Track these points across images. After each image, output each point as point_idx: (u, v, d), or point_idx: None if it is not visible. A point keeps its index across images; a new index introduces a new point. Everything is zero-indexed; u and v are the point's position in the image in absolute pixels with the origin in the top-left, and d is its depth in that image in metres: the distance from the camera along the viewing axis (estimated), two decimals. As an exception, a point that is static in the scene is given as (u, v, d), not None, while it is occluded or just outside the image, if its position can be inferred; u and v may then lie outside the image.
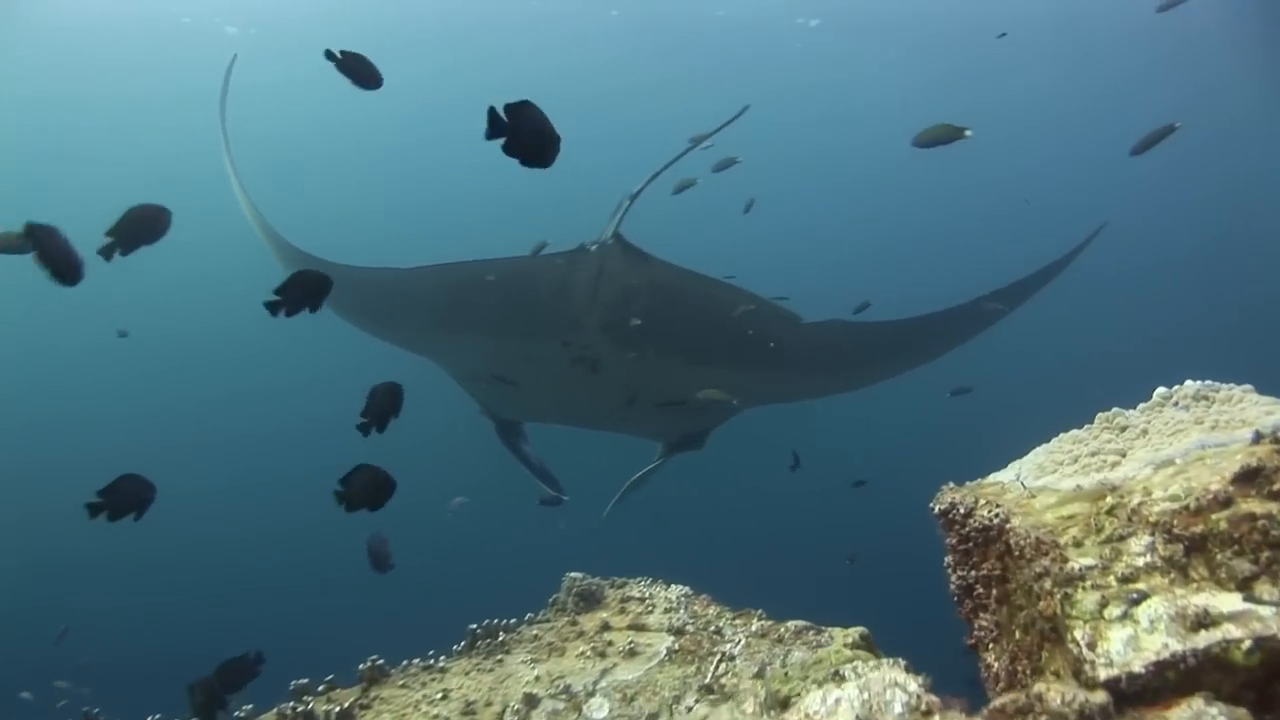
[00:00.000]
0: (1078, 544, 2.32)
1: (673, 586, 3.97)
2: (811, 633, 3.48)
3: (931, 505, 2.99)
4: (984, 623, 2.71)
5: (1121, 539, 2.27)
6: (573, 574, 4.14)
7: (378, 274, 6.94)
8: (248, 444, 26.13)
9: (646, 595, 3.91)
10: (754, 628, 3.57)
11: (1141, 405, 2.85)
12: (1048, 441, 3.02)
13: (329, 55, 3.70)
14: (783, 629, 3.53)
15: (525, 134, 2.95)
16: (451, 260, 6.39)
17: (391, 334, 8.00)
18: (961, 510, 2.80)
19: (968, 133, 5.20)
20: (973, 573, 2.75)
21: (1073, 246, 8.36)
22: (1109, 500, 2.39)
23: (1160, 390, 2.85)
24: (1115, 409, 2.86)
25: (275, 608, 18.16)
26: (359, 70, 3.80)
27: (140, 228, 3.59)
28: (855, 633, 3.43)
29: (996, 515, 2.63)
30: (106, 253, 3.57)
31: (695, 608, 3.78)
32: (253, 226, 8.00)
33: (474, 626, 4.06)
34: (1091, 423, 2.91)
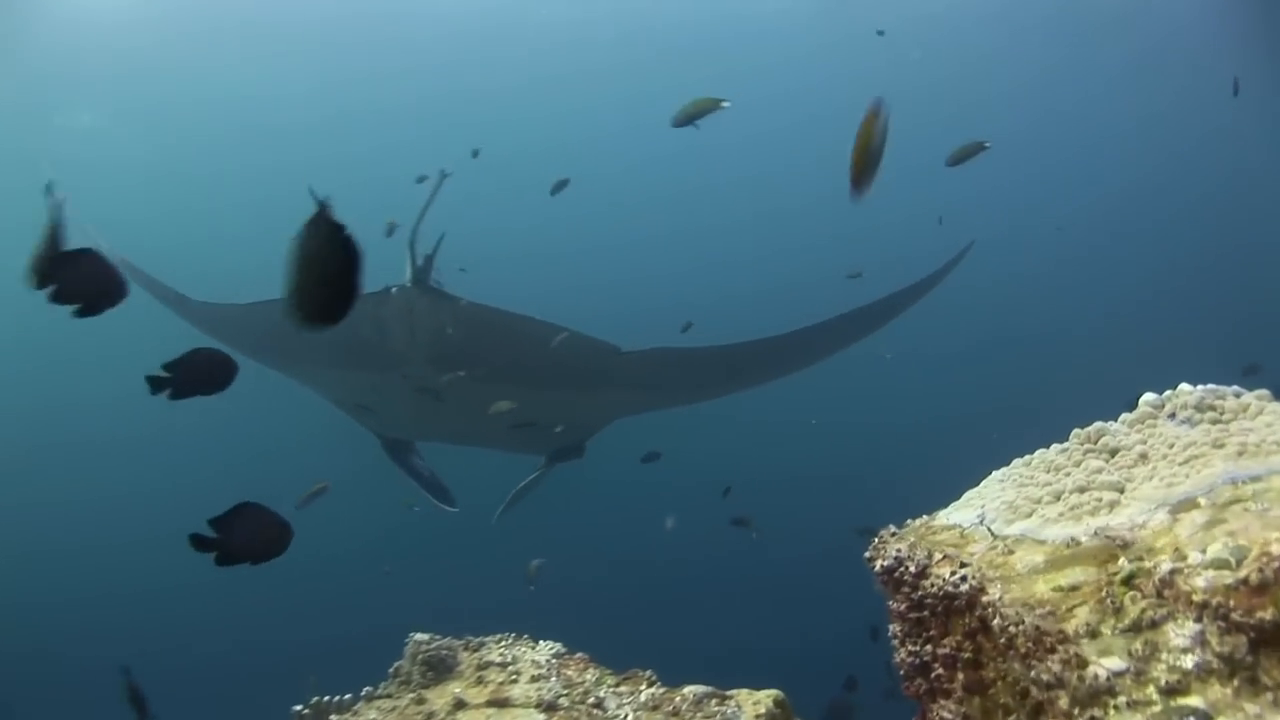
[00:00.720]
0: (1093, 634, 1.67)
1: (541, 645, 3.22)
2: (714, 701, 2.79)
3: (868, 557, 2.31)
4: (946, 714, 2.05)
5: (1154, 626, 1.62)
6: (418, 636, 3.33)
7: (226, 310, 7.26)
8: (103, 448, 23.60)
9: (509, 659, 3.14)
10: (643, 697, 2.85)
11: (1126, 417, 2.23)
12: (1008, 465, 2.38)
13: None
14: (678, 697, 2.83)
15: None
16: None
17: (263, 363, 8.09)
18: (912, 569, 2.12)
19: (724, 104, 5.13)
20: (929, 647, 2.09)
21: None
22: (1124, 564, 1.75)
23: (1149, 398, 2.24)
24: (1097, 424, 2.23)
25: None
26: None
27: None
28: (767, 699, 2.75)
29: (965, 581, 1.96)
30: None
31: (569, 672, 3.04)
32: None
33: (299, 709, 3.22)
34: (1065, 441, 2.28)
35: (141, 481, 21.97)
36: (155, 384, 2.97)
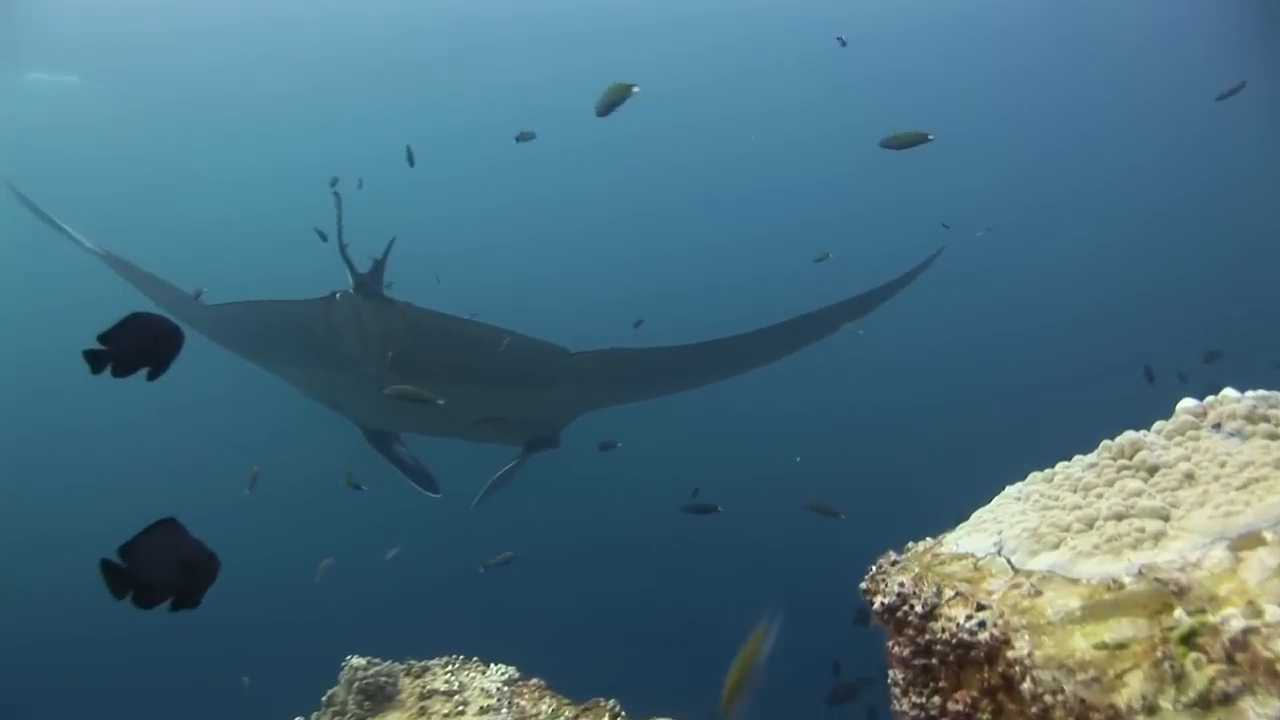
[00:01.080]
0: (1150, 709, 1.36)
1: (492, 670, 2.88)
2: (686, 735, 2.48)
3: (865, 589, 2.00)
4: (956, 778, 1.75)
5: (1228, 701, 1.32)
6: (355, 660, 2.98)
7: (204, 309, 7.55)
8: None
9: (456, 686, 2.81)
10: (607, 730, 2.54)
11: (1162, 426, 1.93)
12: (1023, 480, 2.07)
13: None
14: (646, 731, 2.51)
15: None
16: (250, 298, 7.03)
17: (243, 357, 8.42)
18: (918, 608, 1.81)
19: (634, 89, 5.28)
20: (937, 700, 1.78)
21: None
22: (1180, 617, 1.44)
23: (1188, 405, 1.93)
24: (1130, 435, 1.92)
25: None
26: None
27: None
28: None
29: (983, 627, 1.65)
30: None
31: (523, 702, 2.71)
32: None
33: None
34: (1092, 454, 1.97)
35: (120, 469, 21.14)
36: (94, 360, 2.57)
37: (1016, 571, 1.75)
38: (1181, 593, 1.49)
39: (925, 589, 1.81)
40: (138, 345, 2.62)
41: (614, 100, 5.24)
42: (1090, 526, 1.74)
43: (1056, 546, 1.74)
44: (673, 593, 14.54)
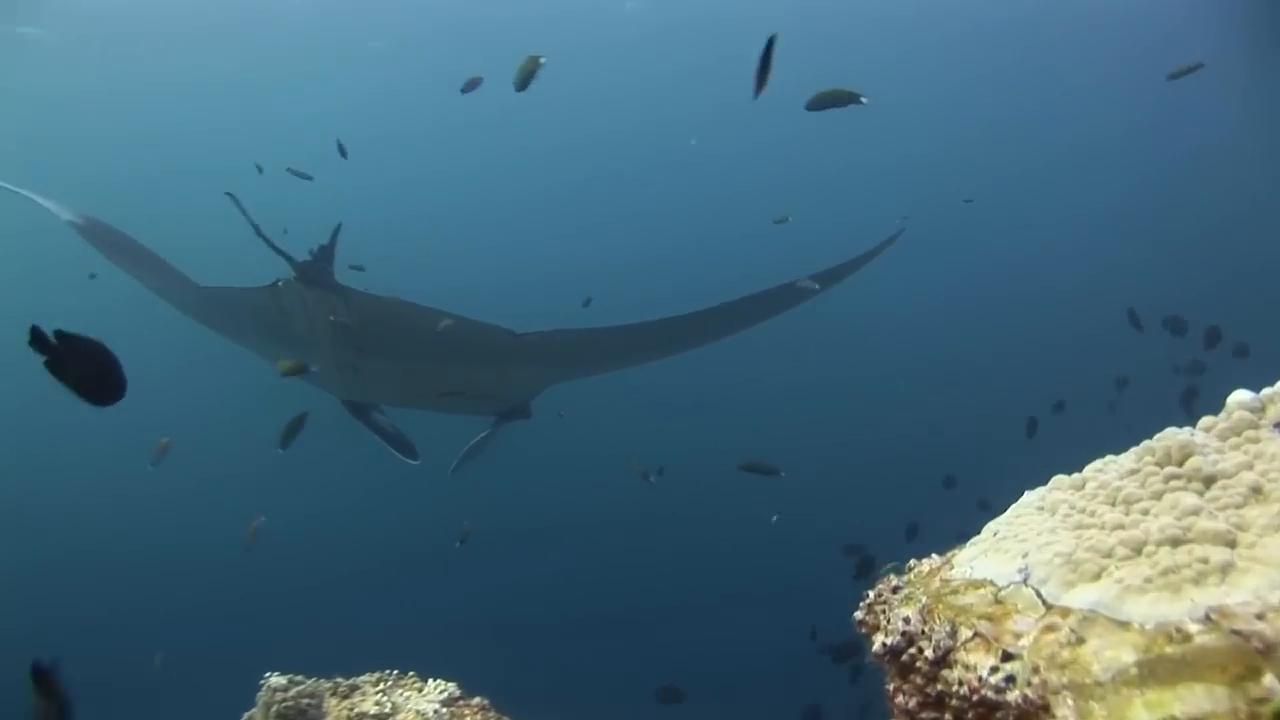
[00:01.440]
0: (1245, 815, 1.06)
1: (429, 687, 2.55)
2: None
3: (860, 620, 1.69)
4: None
5: (1349, 810, 1.01)
6: (274, 680, 2.64)
7: (185, 293, 7.95)
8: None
9: (388, 709, 2.47)
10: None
11: (1211, 423, 1.62)
12: (1045, 485, 1.75)
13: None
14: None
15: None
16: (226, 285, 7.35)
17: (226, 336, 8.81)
18: (928, 652, 1.50)
19: (542, 60, 5.47)
20: (949, 759, 1.48)
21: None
22: (1275, 689, 1.14)
23: (1242, 398, 1.62)
24: (1175, 433, 1.61)
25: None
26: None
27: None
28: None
29: (1012, 684, 1.34)
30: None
31: (465, 725, 2.39)
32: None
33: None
34: (1127, 455, 1.65)
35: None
36: (38, 343, 2.40)
37: (1049, 608, 1.44)
38: (1269, 651, 1.19)
39: (936, 627, 1.50)
40: (82, 368, 2.50)
41: (528, 73, 5.39)
42: (1138, 553, 1.43)
43: (1097, 577, 1.43)
44: (618, 581, 14.26)
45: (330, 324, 7.11)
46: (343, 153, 8.77)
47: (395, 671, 2.63)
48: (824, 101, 5.04)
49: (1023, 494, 1.77)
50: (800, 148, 21.49)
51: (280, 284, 6.96)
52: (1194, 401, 8.77)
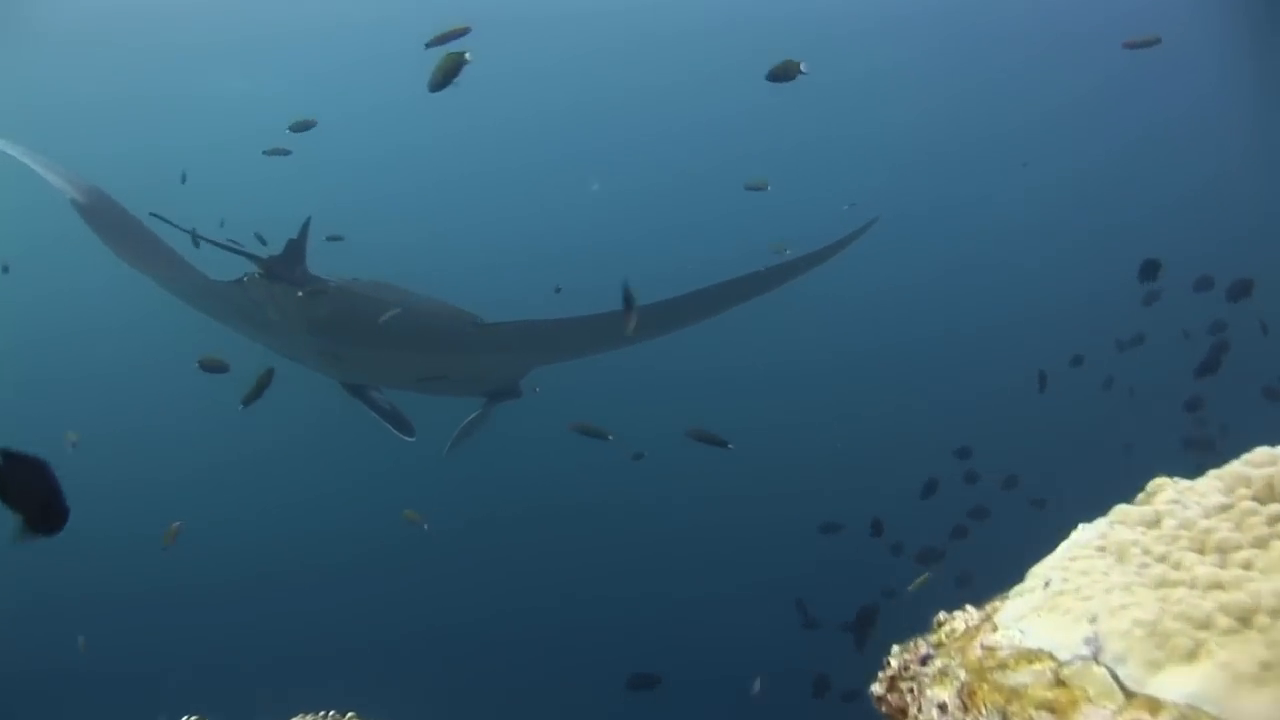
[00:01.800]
0: None
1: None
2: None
3: (877, 698, 1.35)
4: None
5: None
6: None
7: (184, 285, 7.98)
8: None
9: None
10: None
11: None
12: (1104, 516, 1.43)
13: None
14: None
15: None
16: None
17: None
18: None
19: (467, 56, 5.02)
20: None
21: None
22: None
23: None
24: (1265, 452, 1.28)
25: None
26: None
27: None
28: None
29: (1097, 811, 1.01)
30: None
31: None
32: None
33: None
34: (1206, 483, 1.32)
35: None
36: None
37: (1130, 696, 1.11)
38: None
39: (983, 718, 1.16)
40: (23, 491, 2.34)
41: (447, 71, 4.86)
42: (1246, 625, 1.10)
43: (1194, 657, 1.10)
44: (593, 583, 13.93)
45: (298, 316, 7.23)
46: (182, 179, 9.15)
47: (333, 712, 2.28)
48: (775, 75, 5.42)
49: (1072, 529, 1.45)
50: (769, 122, 21.23)
51: (245, 279, 7.06)
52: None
